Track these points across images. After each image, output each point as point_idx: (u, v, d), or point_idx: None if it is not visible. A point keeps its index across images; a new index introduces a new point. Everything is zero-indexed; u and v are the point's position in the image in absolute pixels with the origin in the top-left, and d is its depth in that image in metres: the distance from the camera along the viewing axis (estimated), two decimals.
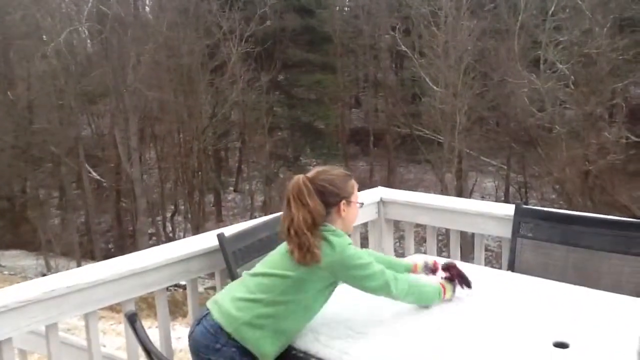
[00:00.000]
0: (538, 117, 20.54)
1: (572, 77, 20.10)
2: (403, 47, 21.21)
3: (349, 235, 2.13)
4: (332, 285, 2.06)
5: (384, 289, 2.03)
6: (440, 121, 20.41)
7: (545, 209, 2.65)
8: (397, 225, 3.31)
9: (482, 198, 21.91)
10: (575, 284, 2.34)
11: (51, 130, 20.58)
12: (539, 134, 21.17)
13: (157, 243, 21.76)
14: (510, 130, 22.29)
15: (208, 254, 2.39)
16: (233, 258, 2.27)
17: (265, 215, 2.08)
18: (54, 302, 1.98)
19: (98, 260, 17.12)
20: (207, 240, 2.43)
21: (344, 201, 2.08)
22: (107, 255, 20.92)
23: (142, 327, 1.55)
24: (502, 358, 1.82)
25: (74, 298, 2.03)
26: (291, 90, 25.20)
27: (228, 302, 1.99)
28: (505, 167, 23.63)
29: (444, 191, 19.87)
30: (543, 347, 1.88)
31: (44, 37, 21.34)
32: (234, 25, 21.18)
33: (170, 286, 2.36)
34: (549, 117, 20.36)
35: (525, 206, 2.65)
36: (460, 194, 20.03)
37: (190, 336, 1.98)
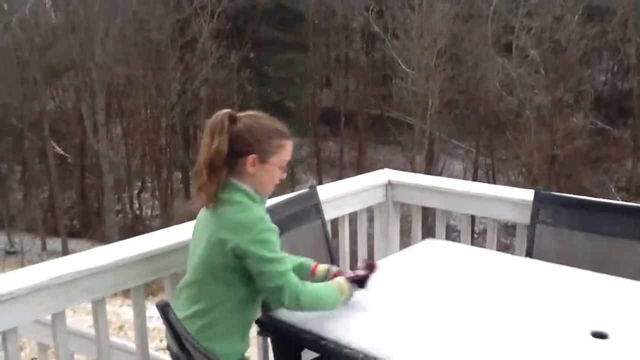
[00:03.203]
0: (508, 102, 20.76)
1: (542, 63, 20.32)
2: (376, 28, 21.08)
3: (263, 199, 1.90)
4: None
5: (275, 294, 1.78)
6: (411, 103, 20.42)
7: (566, 194, 2.58)
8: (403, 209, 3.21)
9: None
10: (596, 271, 2.28)
11: (14, 104, 19.90)
12: (508, 119, 21.41)
13: (124, 220, 21.39)
14: (480, 114, 22.45)
15: None
16: None
17: None
18: (62, 288, 1.83)
19: (62, 237, 16.67)
20: None
21: (254, 156, 1.81)
22: (72, 232, 20.49)
23: (177, 317, 1.42)
24: (541, 349, 1.74)
25: (83, 284, 1.88)
26: (262, 68, 24.86)
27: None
28: (474, 151, 23.84)
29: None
30: (581, 337, 1.80)
31: (5, 6, 20.56)
32: (205, 0, 20.73)
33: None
34: (519, 102, 20.58)
35: (545, 192, 2.57)
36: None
37: None
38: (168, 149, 22.24)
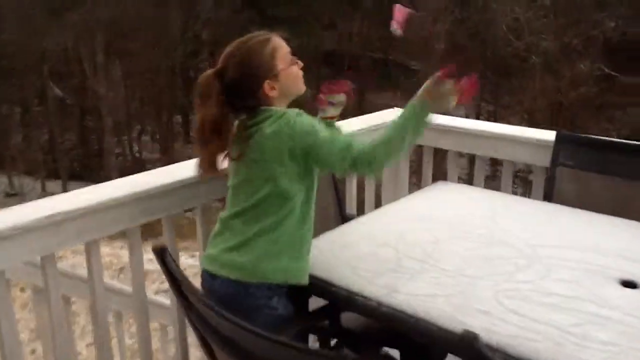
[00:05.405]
0: (515, 47, 20.31)
1: (552, 6, 19.80)
2: None
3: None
4: (311, 174, 1.79)
5: (348, 167, 1.68)
6: (417, 47, 19.98)
7: (589, 136, 2.43)
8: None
9: None
10: (618, 216, 2.15)
11: (16, 42, 19.43)
12: (515, 64, 20.99)
13: (124, 163, 21.27)
14: (486, 59, 22.00)
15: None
16: None
17: None
18: (52, 229, 1.69)
19: (63, 179, 16.57)
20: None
21: (267, 81, 1.75)
22: (73, 175, 20.40)
23: (174, 261, 1.29)
24: (570, 297, 1.61)
25: (75, 225, 1.74)
26: (266, 8, 24.26)
27: (228, 254, 1.74)
28: (478, 96, 23.50)
29: None
30: (610, 286, 1.68)
31: None
32: None
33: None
34: (526, 47, 20.15)
35: (567, 132, 2.42)
36: None
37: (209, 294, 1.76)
38: (168, 92, 21.90)
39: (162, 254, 1.28)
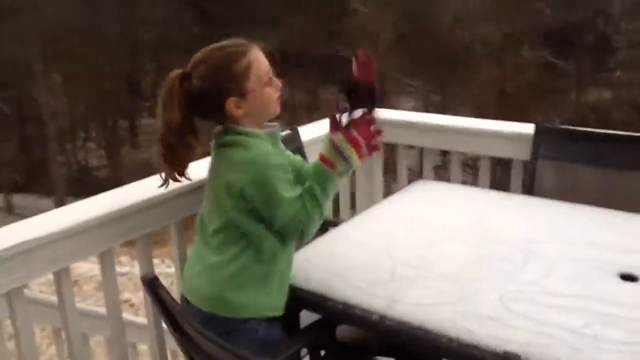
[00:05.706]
0: (459, 36, 20.61)
1: None
2: None
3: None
4: None
5: (295, 234, 1.59)
6: (363, 40, 20.02)
7: (569, 127, 2.41)
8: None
9: None
10: (605, 207, 2.13)
11: None
12: (459, 54, 21.29)
13: (70, 172, 20.59)
14: (432, 50, 22.23)
15: (197, 189, 1.99)
16: None
17: None
18: (20, 260, 1.53)
19: (5, 193, 15.73)
20: (196, 175, 2.02)
21: (231, 98, 1.57)
22: (15, 188, 19.60)
23: (167, 292, 1.17)
24: (572, 295, 1.57)
25: (46, 253, 1.59)
26: (208, 8, 23.89)
27: (197, 280, 1.64)
28: (425, 88, 23.73)
29: None
30: (611, 281, 1.65)
31: None
32: None
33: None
34: (470, 36, 20.47)
35: (547, 125, 2.39)
36: None
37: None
38: (112, 96, 21.30)
39: (151, 285, 1.16)
